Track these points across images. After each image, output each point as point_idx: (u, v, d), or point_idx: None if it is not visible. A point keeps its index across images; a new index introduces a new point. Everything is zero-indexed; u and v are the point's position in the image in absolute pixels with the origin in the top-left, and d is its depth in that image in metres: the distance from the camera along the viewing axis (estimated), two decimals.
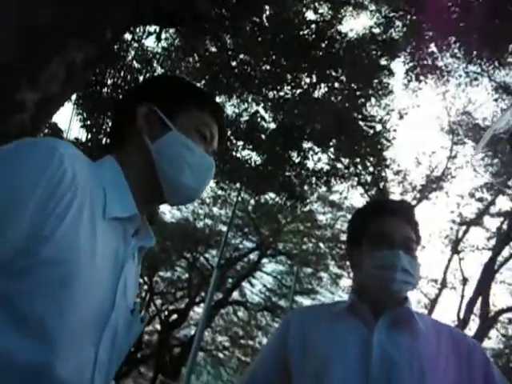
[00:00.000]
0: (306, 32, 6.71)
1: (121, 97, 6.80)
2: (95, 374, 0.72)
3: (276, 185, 7.94)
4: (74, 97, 6.52)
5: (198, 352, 10.44)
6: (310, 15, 7.12)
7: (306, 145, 7.83)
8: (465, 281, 13.66)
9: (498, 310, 12.62)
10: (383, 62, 7.42)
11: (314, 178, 8.07)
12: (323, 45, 6.72)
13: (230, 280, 17.41)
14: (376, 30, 7.27)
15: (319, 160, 8.24)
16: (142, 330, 0.91)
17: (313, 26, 6.81)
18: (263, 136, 7.84)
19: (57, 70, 3.30)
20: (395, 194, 13.12)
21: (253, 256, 17.37)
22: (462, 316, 12.39)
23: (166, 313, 18.15)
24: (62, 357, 0.65)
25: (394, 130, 8.26)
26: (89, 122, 7.03)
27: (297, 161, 7.77)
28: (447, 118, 13.72)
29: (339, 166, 8.42)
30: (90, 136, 7.18)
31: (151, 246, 0.89)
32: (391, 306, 1.18)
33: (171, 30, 7.02)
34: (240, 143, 7.96)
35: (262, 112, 7.89)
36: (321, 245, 16.25)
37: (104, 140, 6.90)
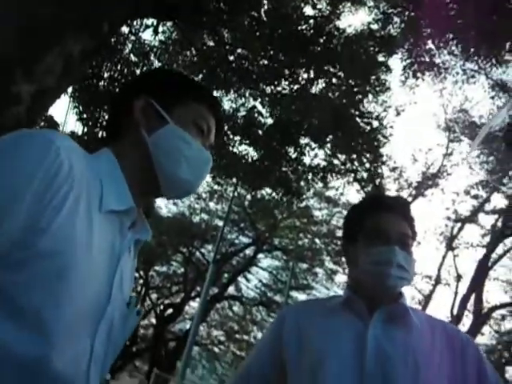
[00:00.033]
0: (304, 27, 6.68)
1: (117, 90, 6.74)
2: (91, 366, 0.72)
3: (272, 180, 7.93)
4: (70, 90, 6.48)
5: (193, 346, 10.48)
6: (308, 10, 7.11)
7: (303, 140, 7.82)
8: (459, 277, 13.76)
9: (492, 306, 12.75)
10: (381, 58, 7.41)
11: (310, 174, 8.07)
12: (321, 40, 6.70)
13: (225, 275, 17.47)
14: (374, 26, 7.26)
15: (316, 156, 8.26)
16: (138, 323, 0.91)
17: (311, 21, 6.78)
18: (260, 131, 7.81)
19: (54, 63, 3.28)
20: (391, 190, 13.19)
21: (249, 251, 17.44)
22: (455, 312, 12.50)
23: (162, 307, 18.20)
24: (58, 349, 0.65)
25: (391, 127, 8.26)
26: (85, 116, 6.98)
27: (293, 156, 7.76)
28: (444, 115, 13.79)
29: (336, 162, 8.43)
30: (86, 129, 7.14)
31: (147, 241, 0.89)
32: (386, 302, 1.19)
33: (168, 24, 6.98)
34: (237, 138, 7.93)
35: (259, 107, 7.86)
36: (316, 240, 16.32)
37: (100, 133, 6.87)
